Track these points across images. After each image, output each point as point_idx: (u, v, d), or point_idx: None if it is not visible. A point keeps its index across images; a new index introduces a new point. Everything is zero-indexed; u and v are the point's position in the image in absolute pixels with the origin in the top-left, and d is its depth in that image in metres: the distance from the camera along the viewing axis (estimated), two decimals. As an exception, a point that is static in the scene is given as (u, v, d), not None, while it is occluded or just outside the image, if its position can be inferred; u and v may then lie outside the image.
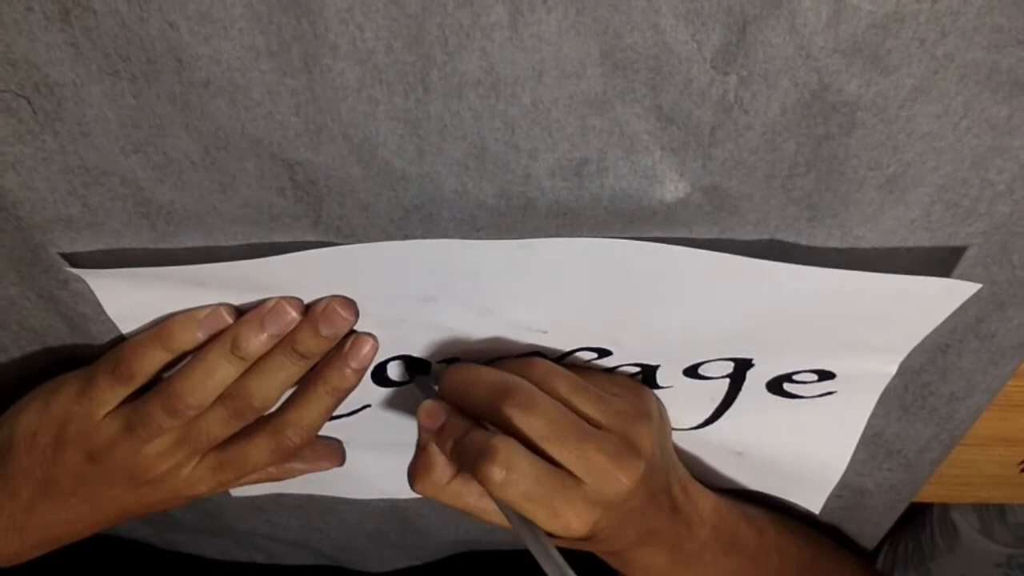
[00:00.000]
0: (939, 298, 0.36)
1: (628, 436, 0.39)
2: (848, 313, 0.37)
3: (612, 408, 0.39)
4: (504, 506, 0.38)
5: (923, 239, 0.34)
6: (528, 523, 0.38)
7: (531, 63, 0.28)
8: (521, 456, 0.36)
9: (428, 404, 0.40)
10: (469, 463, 0.37)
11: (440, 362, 0.43)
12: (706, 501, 0.45)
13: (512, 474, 0.36)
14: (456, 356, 0.42)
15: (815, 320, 0.38)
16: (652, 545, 0.42)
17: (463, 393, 0.40)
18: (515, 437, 0.37)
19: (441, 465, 0.40)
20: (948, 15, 0.27)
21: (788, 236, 0.34)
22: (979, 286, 0.35)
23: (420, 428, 0.41)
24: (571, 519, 0.37)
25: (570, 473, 0.37)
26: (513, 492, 0.36)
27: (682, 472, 0.45)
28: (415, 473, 0.41)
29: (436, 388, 0.42)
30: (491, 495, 0.38)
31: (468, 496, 0.41)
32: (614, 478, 0.37)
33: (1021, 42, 0.28)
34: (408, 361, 0.42)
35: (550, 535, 0.38)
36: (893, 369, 0.42)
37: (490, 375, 0.39)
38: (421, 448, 0.41)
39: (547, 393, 0.38)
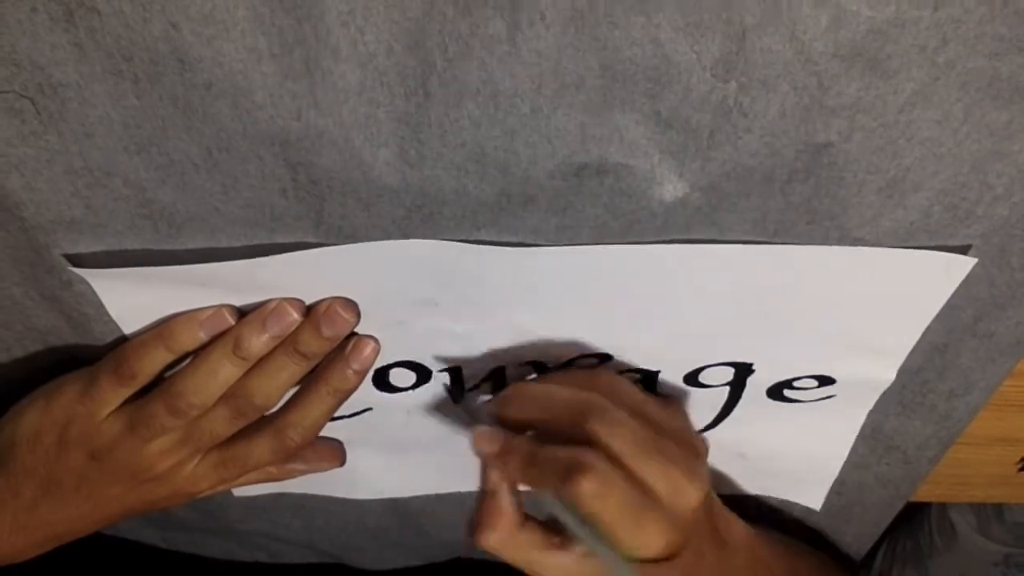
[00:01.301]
0: (936, 276, 0.36)
1: (692, 444, 0.39)
2: (846, 296, 0.37)
3: (675, 422, 0.40)
4: (584, 530, 0.37)
5: (922, 241, 0.34)
6: (612, 548, 0.37)
7: (530, 76, 0.28)
8: (611, 469, 0.36)
9: (482, 430, 0.39)
10: (553, 477, 0.36)
11: (470, 389, 0.43)
12: (739, 527, 0.46)
13: (606, 486, 0.35)
14: (457, 363, 0.42)
15: (814, 307, 0.38)
16: (696, 572, 0.41)
17: (536, 411, 0.39)
18: None
19: (511, 512, 0.39)
20: (949, 23, 0.27)
21: (787, 238, 0.34)
22: (975, 261, 0.35)
23: (489, 476, 0.39)
24: (653, 534, 0.37)
25: (649, 489, 0.37)
26: (606, 505, 0.36)
27: (716, 499, 0.45)
28: (483, 523, 0.39)
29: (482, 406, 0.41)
30: (564, 514, 0.37)
31: (531, 549, 0.39)
32: (687, 492, 0.37)
33: (1021, 50, 0.28)
34: (410, 367, 0.42)
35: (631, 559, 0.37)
36: (892, 375, 0.42)
37: (563, 392, 0.38)
38: (488, 494, 0.39)
39: (620, 406, 0.38)
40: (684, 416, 0.43)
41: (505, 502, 0.39)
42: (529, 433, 0.39)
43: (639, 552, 0.37)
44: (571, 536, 0.38)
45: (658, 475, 0.37)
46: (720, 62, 0.28)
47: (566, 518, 0.38)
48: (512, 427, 0.40)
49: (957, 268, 0.36)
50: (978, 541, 0.59)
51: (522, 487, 0.40)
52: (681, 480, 0.37)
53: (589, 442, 0.37)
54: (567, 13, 0.27)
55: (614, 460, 0.36)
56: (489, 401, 0.41)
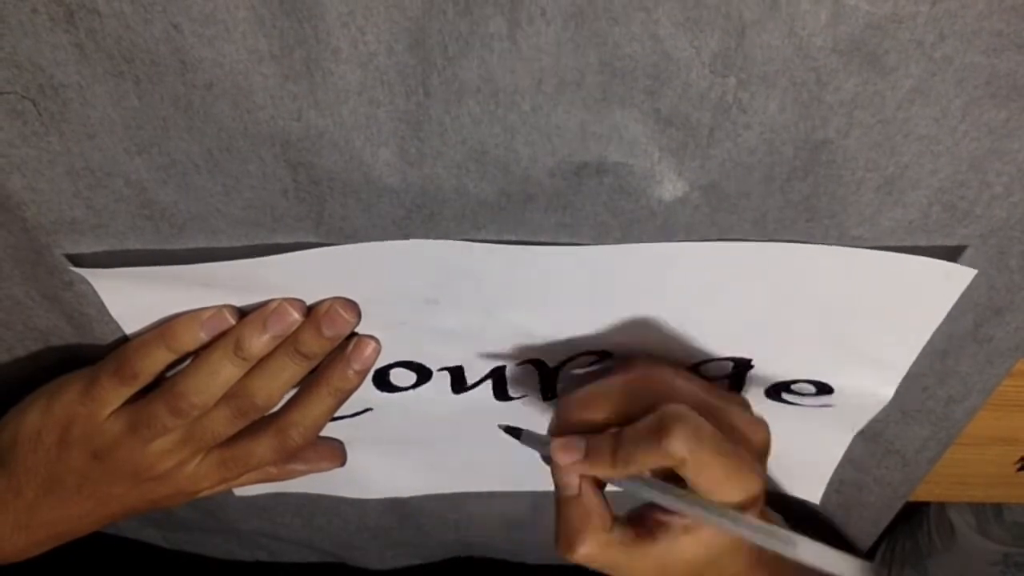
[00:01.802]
0: (937, 285, 0.36)
1: (741, 398, 0.40)
2: (845, 300, 0.37)
3: (724, 394, 0.39)
4: (681, 497, 0.35)
5: (921, 240, 0.35)
6: (715, 504, 0.35)
7: (530, 73, 0.28)
8: (697, 415, 0.35)
9: (560, 441, 0.37)
10: (646, 444, 0.35)
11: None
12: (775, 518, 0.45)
13: (700, 430, 0.34)
14: (457, 362, 0.42)
15: (813, 309, 0.38)
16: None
17: (597, 407, 0.38)
18: None
19: (601, 512, 0.37)
20: (947, 18, 0.27)
21: (786, 236, 0.35)
22: (975, 272, 0.35)
23: (567, 481, 0.37)
24: (748, 474, 0.35)
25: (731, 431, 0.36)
26: (702, 448, 0.34)
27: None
28: (573, 532, 0.37)
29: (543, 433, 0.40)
30: (665, 491, 0.35)
31: (621, 548, 0.37)
32: (758, 430, 0.37)
33: (1020, 46, 0.28)
34: (411, 367, 0.42)
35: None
36: (890, 392, 0.42)
37: (618, 378, 0.38)
38: (571, 500, 0.37)
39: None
40: (744, 403, 0.41)
41: (593, 503, 0.37)
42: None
43: (741, 495, 0.35)
44: (659, 521, 0.37)
45: (727, 425, 0.36)
46: (719, 58, 0.28)
47: (666, 494, 0.36)
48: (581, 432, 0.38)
49: (958, 278, 0.36)
50: (977, 541, 0.59)
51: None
52: (749, 418, 0.37)
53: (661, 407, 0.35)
54: (567, 9, 0.27)
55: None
56: (548, 428, 0.40)
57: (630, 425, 0.36)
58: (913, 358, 0.40)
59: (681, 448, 0.34)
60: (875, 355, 0.40)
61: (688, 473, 0.34)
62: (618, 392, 0.38)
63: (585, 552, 0.37)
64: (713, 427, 0.35)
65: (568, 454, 0.37)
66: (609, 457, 0.36)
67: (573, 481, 0.37)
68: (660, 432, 0.34)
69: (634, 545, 0.37)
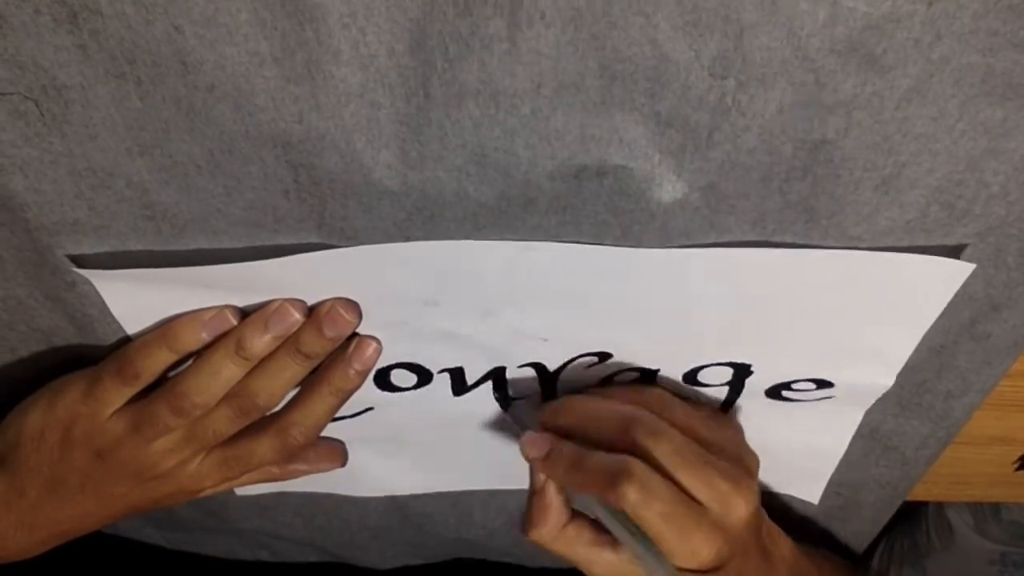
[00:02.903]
0: (934, 282, 0.37)
1: (743, 461, 0.40)
2: (844, 302, 0.37)
3: (725, 434, 0.41)
4: (630, 537, 0.38)
5: (919, 239, 0.35)
6: (657, 553, 0.38)
7: (530, 76, 0.28)
8: (656, 477, 0.37)
9: (530, 435, 0.40)
10: (597, 483, 0.38)
11: (517, 399, 0.44)
12: (784, 541, 0.46)
13: (649, 494, 0.36)
14: (458, 363, 0.42)
15: (812, 312, 0.38)
16: None
17: (585, 423, 0.40)
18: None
19: (558, 509, 0.41)
20: (943, 18, 0.27)
21: (785, 238, 0.35)
22: (973, 266, 0.36)
23: (536, 476, 0.41)
24: (700, 543, 0.37)
25: (695, 499, 0.38)
26: (649, 512, 0.36)
27: (765, 515, 0.45)
28: (532, 518, 0.41)
29: (525, 416, 0.42)
30: (610, 519, 0.39)
31: (580, 545, 0.41)
32: (736, 503, 0.38)
33: (1016, 45, 0.28)
34: (411, 368, 0.43)
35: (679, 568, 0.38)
36: (890, 381, 0.42)
37: (614, 407, 0.40)
38: (535, 493, 0.41)
39: (667, 421, 0.39)
40: (735, 432, 0.44)
41: (552, 500, 0.41)
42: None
43: (685, 561, 0.38)
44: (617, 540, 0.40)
45: (703, 485, 0.38)
46: (718, 60, 0.28)
47: (611, 524, 0.39)
48: (559, 436, 0.41)
49: (955, 274, 0.36)
50: (975, 540, 0.59)
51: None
52: (728, 492, 0.38)
53: (634, 452, 0.38)
54: (567, 12, 0.27)
55: (659, 470, 0.37)
56: (538, 410, 0.42)
57: (594, 453, 0.39)
58: (912, 348, 0.40)
59: (629, 506, 0.36)
60: (874, 349, 0.40)
61: (634, 521, 0.37)
62: (606, 417, 0.40)
63: (537, 537, 0.41)
64: (671, 490, 0.37)
65: (533, 449, 0.40)
66: (564, 470, 0.39)
67: (539, 477, 0.41)
68: (612, 479, 0.37)
69: (591, 545, 0.41)
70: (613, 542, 0.41)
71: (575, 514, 0.42)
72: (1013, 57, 0.28)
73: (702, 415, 0.41)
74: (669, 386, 0.43)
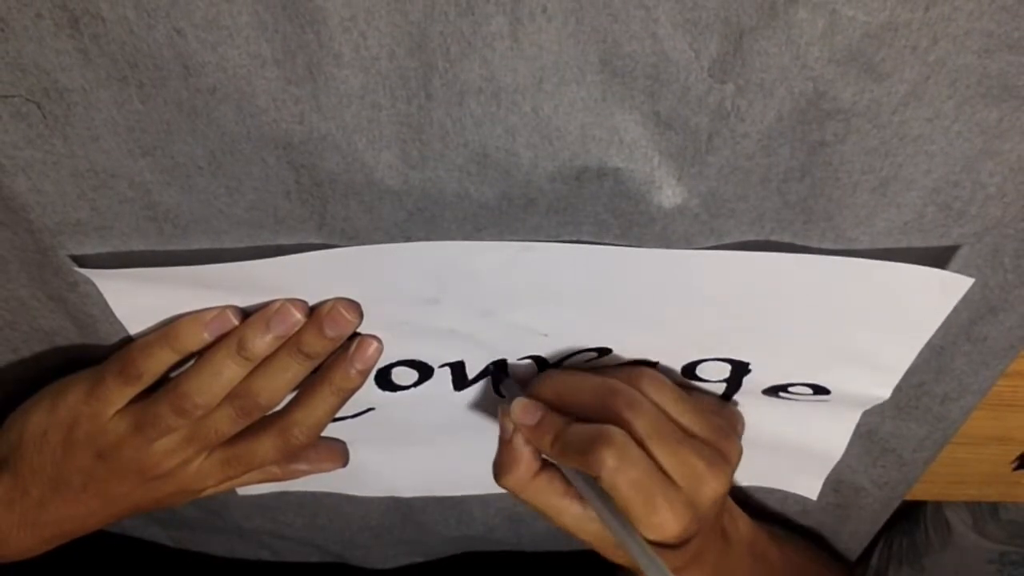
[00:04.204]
0: (932, 293, 0.37)
1: (720, 448, 0.40)
2: (843, 309, 0.38)
3: (710, 423, 0.41)
4: (600, 502, 0.39)
5: (916, 240, 0.35)
6: (623, 520, 0.38)
7: (531, 71, 0.28)
8: (633, 446, 0.38)
9: (523, 402, 0.41)
10: (577, 450, 0.38)
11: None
12: (743, 522, 0.47)
13: (625, 461, 0.37)
14: (459, 359, 0.42)
15: (811, 317, 0.38)
16: (699, 565, 0.43)
17: (567, 394, 0.41)
18: None
19: (528, 459, 0.42)
20: (940, 21, 0.27)
21: (783, 238, 0.35)
22: (972, 280, 0.36)
23: (505, 425, 0.42)
24: (668, 517, 0.38)
25: (667, 475, 0.38)
26: (623, 478, 0.37)
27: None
28: (501, 466, 0.42)
29: (520, 389, 0.43)
30: (587, 489, 0.39)
31: (551, 495, 0.42)
32: (707, 483, 0.39)
33: (1011, 47, 0.28)
34: (412, 365, 0.43)
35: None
36: (887, 393, 0.42)
37: (595, 379, 0.40)
38: (505, 443, 0.42)
39: (652, 400, 0.40)
40: (725, 420, 0.44)
41: (521, 449, 0.41)
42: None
43: (651, 533, 0.38)
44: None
45: (677, 463, 0.38)
46: (718, 62, 0.28)
47: (587, 493, 0.39)
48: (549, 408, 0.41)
49: (954, 286, 0.36)
50: (973, 539, 0.59)
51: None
52: (702, 471, 0.39)
53: (616, 422, 0.38)
54: (568, 5, 0.27)
55: (638, 441, 0.38)
56: (528, 384, 0.43)
57: (578, 424, 0.39)
58: (909, 362, 0.41)
59: (603, 470, 0.37)
60: (872, 359, 0.41)
61: (605, 489, 0.38)
62: (589, 389, 0.40)
63: (507, 485, 0.42)
64: (646, 461, 0.38)
65: (525, 415, 0.41)
66: (549, 439, 0.40)
67: (508, 427, 0.42)
68: (591, 446, 0.37)
69: (562, 496, 0.42)
70: (580, 497, 0.42)
71: (546, 464, 0.42)
72: (1008, 58, 0.28)
73: (688, 400, 0.41)
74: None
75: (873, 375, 0.42)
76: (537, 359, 0.43)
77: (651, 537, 0.38)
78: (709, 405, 0.44)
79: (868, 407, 0.44)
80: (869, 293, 0.37)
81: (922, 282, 0.36)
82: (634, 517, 0.38)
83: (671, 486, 0.38)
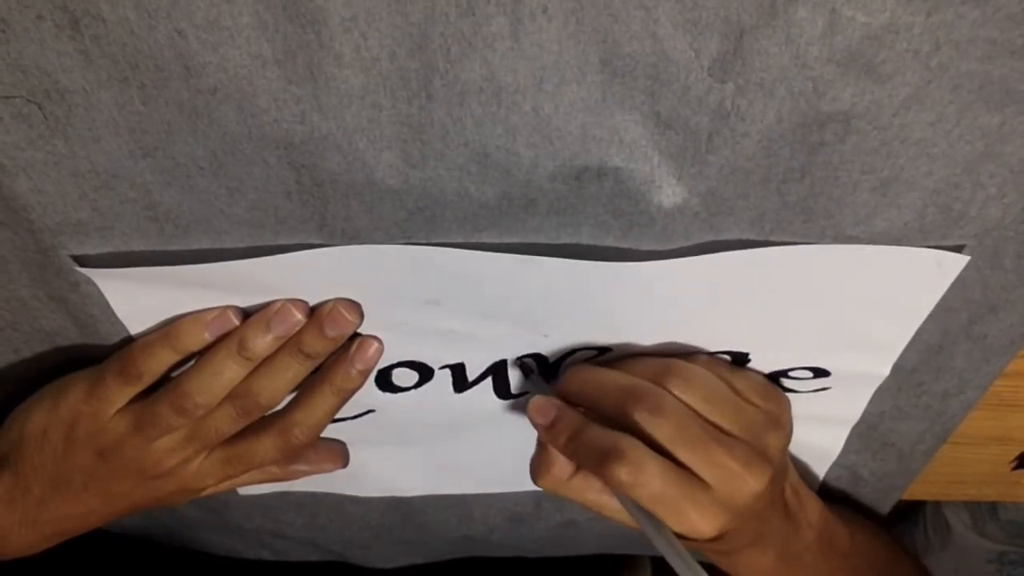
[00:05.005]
0: (930, 273, 0.37)
1: (759, 444, 0.39)
2: (841, 293, 0.38)
3: (746, 418, 0.40)
4: (629, 505, 0.38)
5: (916, 241, 0.35)
6: (654, 521, 0.38)
7: (531, 71, 0.28)
8: (649, 458, 0.37)
9: (538, 400, 0.41)
10: (591, 460, 0.38)
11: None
12: (813, 504, 0.46)
13: (641, 476, 0.36)
14: (459, 360, 0.42)
15: (809, 303, 0.38)
16: (762, 546, 0.43)
17: (589, 393, 0.40)
18: (642, 440, 0.37)
19: (562, 461, 0.41)
20: (942, 27, 0.27)
21: (783, 237, 0.35)
22: (967, 259, 0.36)
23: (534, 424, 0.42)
24: (697, 522, 0.37)
25: (698, 477, 0.37)
26: (640, 493, 0.37)
27: (794, 476, 0.45)
28: (536, 469, 0.42)
29: (549, 385, 0.42)
30: (616, 494, 0.39)
31: (589, 492, 0.41)
32: (743, 483, 0.38)
33: (1013, 53, 0.28)
34: (413, 366, 0.43)
35: (677, 535, 0.38)
36: (886, 370, 0.42)
37: (620, 378, 0.39)
38: (540, 444, 0.42)
39: (681, 400, 0.38)
40: (771, 404, 0.42)
41: (555, 452, 0.41)
42: (581, 410, 0.41)
43: (687, 535, 0.38)
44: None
45: (707, 465, 0.37)
46: (718, 62, 0.28)
47: (615, 494, 0.39)
48: (570, 404, 0.41)
49: (950, 265, 0.36)
50: (973, 539, 0.59)
51: None
52: (736, 469, 0.38)
53: (632, 429, 0.37)
54: (568, 5, 0.27)
55: (658, 448, 0.37)
56: (559, 376, 0.42)
57: (593, 427, 0.39)
58: (908, 338, 0.40)
59: (613, 485, 0.37)
60: (870, 339, 0.41)
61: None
62: (611, 389, 0.39)
63: (544, 486, 0.42)
64: (664, 471, 0.37)
65: (539, 415, 0.40)
66: (563, 440, 0.39)
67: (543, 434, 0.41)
68: (603, 462, 0.37)
69: (600, 492, 0.41)
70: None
71: None
72: (1011, 64, 0.28)
73: (724, 398, 0.40)
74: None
75: (872, 353, 0.41)
76: (538, 358, 0.43)
77: (685, 535, 0.38)
78: (751, 394, 0.41)
79: (870, 392, 0.44)
80: (868, 276, 0.37)
81: (919, 262, 0.36)
82: (663, 522, 0.38)
83: (701, 489, 0.37)
